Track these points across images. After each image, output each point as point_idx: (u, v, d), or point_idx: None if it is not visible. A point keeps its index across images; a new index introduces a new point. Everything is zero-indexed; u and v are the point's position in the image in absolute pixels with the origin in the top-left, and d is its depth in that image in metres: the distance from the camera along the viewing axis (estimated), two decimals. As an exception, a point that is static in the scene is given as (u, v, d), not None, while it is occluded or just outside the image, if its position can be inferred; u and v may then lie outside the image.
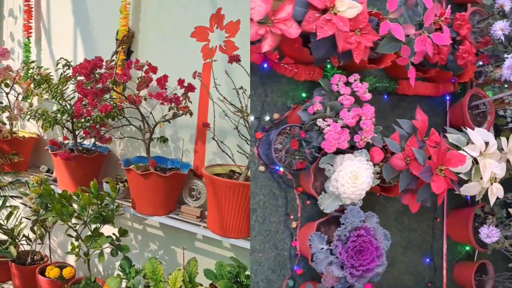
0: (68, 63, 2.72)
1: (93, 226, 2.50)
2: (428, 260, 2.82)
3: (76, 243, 2.55)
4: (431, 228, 2.84)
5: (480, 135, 2.22)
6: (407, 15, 2.05)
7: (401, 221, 2.74)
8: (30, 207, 2.70)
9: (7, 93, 3.06)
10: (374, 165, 2.15)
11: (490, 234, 2.30)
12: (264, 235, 2.34)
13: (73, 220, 2.49)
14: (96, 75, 2.30)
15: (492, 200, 2.25)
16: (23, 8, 3.21)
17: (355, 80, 2.04)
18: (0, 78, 2.96)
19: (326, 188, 2.08)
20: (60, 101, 2.74)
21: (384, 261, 2.09)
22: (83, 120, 2.67)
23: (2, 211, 2.95)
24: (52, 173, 3.03)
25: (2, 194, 2.89)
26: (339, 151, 2.11)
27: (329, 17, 1.82)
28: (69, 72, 2.73)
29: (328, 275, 2.05)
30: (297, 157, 2.01)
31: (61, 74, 2.77)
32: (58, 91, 2.73)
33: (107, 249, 2.49)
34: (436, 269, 2.84)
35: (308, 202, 2.38)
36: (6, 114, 3.11)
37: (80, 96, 2.36)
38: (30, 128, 3.33)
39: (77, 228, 2.52)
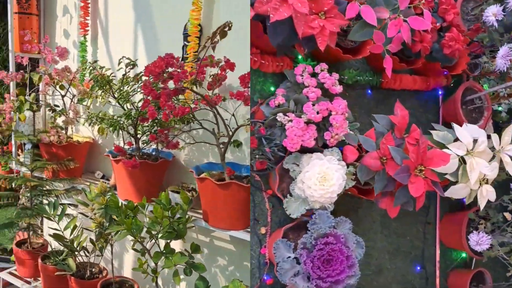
0: (132, 62, 2.46)
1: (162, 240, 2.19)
2: (419, 268, 2.56)
3: (143, 259, 2.21)
4: (422, 233, 2.58)
5: (468, 132, 1.96)
6: (381, -3, 1.81)
7: (388, 225, 2.48)
8: (91, 218, 2.45)
9: (62, 96, 2.87)
10: (348, 165, 1.91)
11: (480, 241, 2.04)
12: (230, 241, 2.13)
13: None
14: (165, 74, 2.00)
15: (482, 204, 1.99)
16: (79, 4, 3.00)
17: (322, 70, 1.80)
18: (58, 79, 2.79)
19: (291, 190, 1.85)
20: (124, 104, 2.47)
21: (357, 271, 1.84)
22: (146, 124, 2.38)
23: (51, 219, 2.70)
24: (107, 179, 2.88)
25: (60, 202, 2.67)
26: (306, 150, 1.88)
27: (286, -3, 1.59)
28: (132, 72, 2.51)
29: (292, 287, 1.82)
30: (257, 156, 1.78)
31: (124, 74, 2.50)
32: (124, 93, 2.46)
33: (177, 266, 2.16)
34: (428, 278, 2.58)
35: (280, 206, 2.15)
36: (62, 118, 2.92)
37: (146, 97, 2.08)
38: (83, 132, 3.12)
39: (145, 242, 2.22)
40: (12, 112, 2.86)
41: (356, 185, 2.05)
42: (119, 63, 2.49)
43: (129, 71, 2.50)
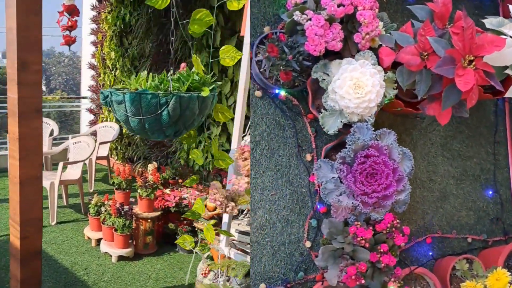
0: None
1: None
2: (491, 192, 2.28)
3: None
4: (491, 154, 2.29)
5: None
6: None
7: (450, 147, 2.23)
8: None
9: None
10: (386, 70, 1.70)
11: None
12: (274, 170, 1.98)
13: None
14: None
15: (552, 99, 1.69)
16: None
17: (342, -38, 1.59)
18: None
19: (324, 103, 1.67)
20: None
21: (407, 186, 1.64)
22: None
23: None
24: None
25: None
26: (337, 58, 1.69)
27: None
28: None
29: (338, 207, 1.65)
30: (281, 67, 1.62)
31: None
32: None
33: None
34: (503, 203, 2.29)
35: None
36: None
37: None
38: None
39: None
40: None
41: (402, 97, 1.83)
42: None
43: None
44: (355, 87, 1.60)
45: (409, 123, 2.16)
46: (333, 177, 1.70)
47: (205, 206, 3.73)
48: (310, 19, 1.51)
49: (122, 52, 5.44)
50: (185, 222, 3.82)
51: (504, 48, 1.57)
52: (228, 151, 4.05)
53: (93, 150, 4.62)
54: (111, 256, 3.50)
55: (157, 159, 5.18)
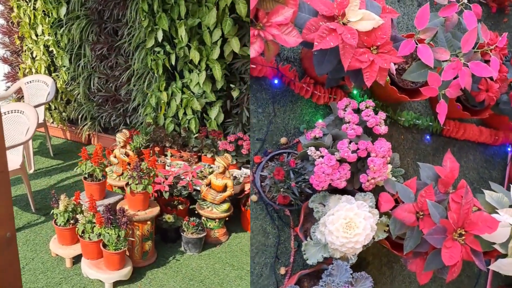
0: None
1: None
2: None
3: None
4: (467, 305, 2.49)
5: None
6: (444, 38, 1.80)
7: (428, 290, 2.42)
8: None
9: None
10: (382, 214, 1.90)
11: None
12: (244, 277, 2.15)
13: None
14: None
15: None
16: None
17: (366, 107, 1.81)
18: None
19: (312, 233, 1.86)
20: None
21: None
22: None
23: None
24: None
25: None
26: (339, 191, 1.89)
27: (334, 26, 1.63)
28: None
29: None
30: (281, 189, 1.81)
31: None
32: None
33: None
34: None
35: (306, 246, 2.15)
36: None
37: None
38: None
39: None
40: None
41: (391, 238, 2.03)
42: None
43: None
44: (347, 226, 1.79)
45: (393, 256, 2.34)
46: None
47: (209, 185, 3.09)
48: (322, 156, 1.71)
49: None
50: (181, 207, 3.17)
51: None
52: (212, 103, 3.50)
53: (36, 124, 3.39)
54: (102, 282, 2.60)
55: (111, 120, 4.35)
